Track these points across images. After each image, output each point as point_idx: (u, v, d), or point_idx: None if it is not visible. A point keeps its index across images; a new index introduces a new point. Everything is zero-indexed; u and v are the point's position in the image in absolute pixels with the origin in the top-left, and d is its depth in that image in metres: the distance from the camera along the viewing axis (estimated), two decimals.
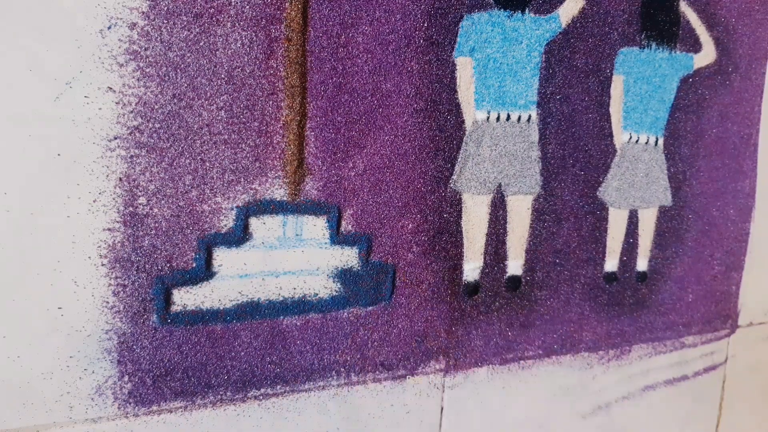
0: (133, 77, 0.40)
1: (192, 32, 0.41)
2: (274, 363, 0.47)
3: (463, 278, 0.53)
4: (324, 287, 0.48)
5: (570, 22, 0.54)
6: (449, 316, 0.53)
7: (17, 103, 0.38)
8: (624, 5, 0.56)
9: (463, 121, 0.51)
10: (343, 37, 0.46)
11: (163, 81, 0.41)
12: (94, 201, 0.40)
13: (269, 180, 0.45)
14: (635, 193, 0.60)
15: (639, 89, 0.58)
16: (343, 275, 0.49)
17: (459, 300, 0.54)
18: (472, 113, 0.51)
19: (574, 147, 0.56)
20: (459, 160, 0.51)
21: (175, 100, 0.42)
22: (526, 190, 0.55)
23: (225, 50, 0.42)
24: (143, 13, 0.40)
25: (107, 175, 0.40)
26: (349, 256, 0.48)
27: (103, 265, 0.41)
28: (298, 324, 0.48)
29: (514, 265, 0.56)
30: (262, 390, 0.47)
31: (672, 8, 0.59)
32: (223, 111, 0.43)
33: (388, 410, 0.52)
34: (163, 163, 0.42)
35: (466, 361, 0.55)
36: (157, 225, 0.42)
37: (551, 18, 0.53)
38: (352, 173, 0.48)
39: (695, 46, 0.61)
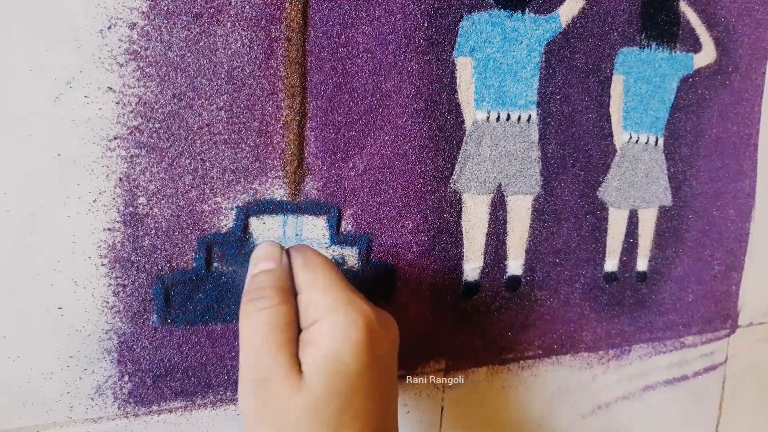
0: (133, 77, 0.40)
1: (192, 32, 0.41)
2: None
3: (463, 278, 0.53)
4: None
5: (570, 22, 0.54)
6: (449, 316, 0.53)
7: (17, 103, 0.38)
8: (624, 5, 0.56)
9: (463, 121, 0.51)
10: (343, 37, 0.46)
11: (163, 81, 0.41)
12: (94, 201, 0.40)
13: (269, 180, 0.45)
14: (635, 193, 0.60)
15: (639, 89, 0.58)
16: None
17: (459, 300, 0.54)
18: (472, 113, 0.51)
19: (574, 147, 0.56)
20: (459, 160, 0.51)
21: (175, 100, 0.42)
22: (526, 190, 0.55)
23: (225, 50, 0.42)
24: (143, 13, 0.40)
25: (107, 175, 0.40)
26: (349, 256, 0.48)
27: (103, 265, 0.41)
28: None
29: (514, 265, 0.56)
30: None
31: (672, 8, 0.59)
32: (223, 111, 0.43)
33: None
34: (163, 163, 0.42)
35: (466, 361, 0.55)
36: (157, 225, 0.42)
37: (551, 18, 0.53)
38: (352, 173, 0.48)
39: (695, 46, 0.61)
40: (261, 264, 0.35)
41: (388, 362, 0.35)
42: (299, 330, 0.34)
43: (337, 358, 0.32)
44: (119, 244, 0.41)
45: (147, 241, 0.42)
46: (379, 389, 0.34)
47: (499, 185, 0.54)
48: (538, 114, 0.54)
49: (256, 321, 0.33)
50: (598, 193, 0.58)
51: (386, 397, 0.34)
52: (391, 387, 0.35)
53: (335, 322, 0.32)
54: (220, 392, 0.46)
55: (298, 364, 0.32)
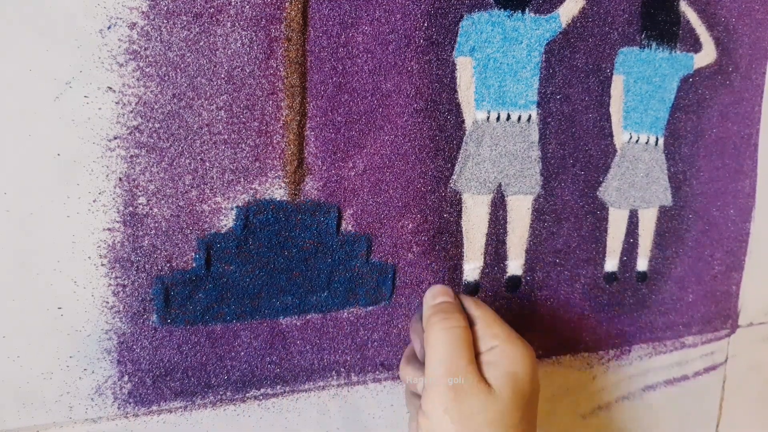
0: (133, 77, 0.40)
1: (192, 32, 0.41)
2: (274, 363, 0.47)
3: (463, 278, 0.53)
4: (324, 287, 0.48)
5: (570, 21, 0.54)
6: None
7: (17, 103, 0.38)
8: (624, 5, 0.56)
9: (463, 121, 0.51)
10: (343, 37, 0.46)
11: (163, 81, 0.41)
12: (94, 201, 0.40)
13: (269, 180, 0.45)
14: (635, 193, 0.60)
15: (639, 89, 0.58)
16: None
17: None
18: (472, 113, 0.51)
19: (574, 147, 0.56)
20: (459, 160, 0.51)
21: (175, 100, 0.42)
22: (526, 190, 0.55)
23: (225, 50, 0.42)
24: (143, 12, 0.40)
25: (107, 175, 0.40)
26: (349, 256, 0.48)
27: (102, 265, 0.41)
28: (298, 324, 0.48)
29: (514, 265, 0.56)
30: (262, 390, 0.47)
31: (672, 8, 0.59)
32: (223, 111, 0.43)
33: (388, 410, 0.52)
34: (163, 163, 0.42)
35: None
36: (157, 225, 0.42)
37: (551, 18, 0.53)
38: (352, 173, 0.48)
39: (695, 46, 0.61)
40: (440, 297, 0.42)
41: (538, 396, 0.41)
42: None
43: (516, 377, 0.38)
44: (119, 244, 0.41)
45: (147, 241, 0.42)
46: (535, 415, 0.40)
47: (499, 185, 0.54)
48: (538, 114, 0.54)
49: (448, 335, 0.38)
50: (598, 193, 0.58)
51: (536, 414, 0.40)
52: (536, 406, 0.41)
53: (514, 349, 0.39)
54: (220, 392, 0.46)
55: (484, 377, 0.38)
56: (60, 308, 0.41)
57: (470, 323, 0.40)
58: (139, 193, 0.41)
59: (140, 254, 0.42)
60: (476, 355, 0.39)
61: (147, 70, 0.40)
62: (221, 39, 0.42)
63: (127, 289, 0.42)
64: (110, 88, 0.40)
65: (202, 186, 0.43)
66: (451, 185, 0.52)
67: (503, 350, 0.38)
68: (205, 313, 0.44)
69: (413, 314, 0.50)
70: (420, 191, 0.50)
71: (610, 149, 0.58)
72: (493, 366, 0.38)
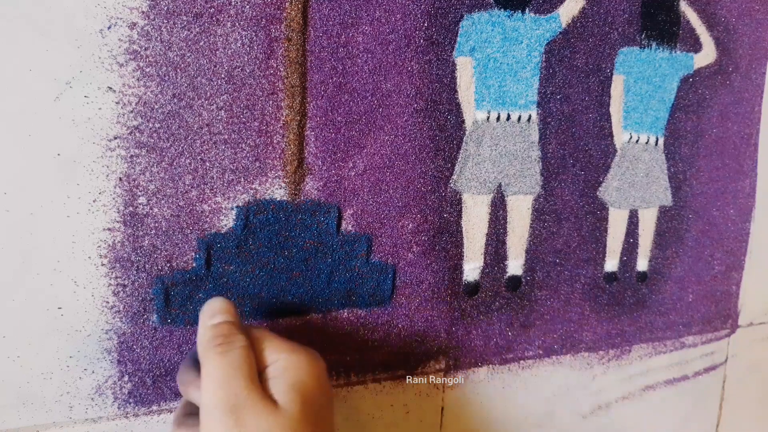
0: (133, 77, 0.40)
1: (192, 32, 0.41)
2: None
3: (463, 278, 0.53)
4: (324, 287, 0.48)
5: (570, 21, 0.54)
6: (449, 316, 0.53)
7: (17, 103, 0.38)
8: (624, 5, 0.56)
9: (463, 121, 0.51)
10: (343, 37, 0.46)
11: (163, 81, 0.41)
12: (94, 201, 0.40)
13: (269, 180, 0.45)
14: (635, 193, 0.60)
15: (639, 89, 0.58)
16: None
17: (459, 300, 0.54)
18: (472, 113, 0.51)
19: (574, 147, 0.56)
20: (459, 160, 0.51)
21: (175, 100, 0.42)
22: (526, 190, 0.55)
23: (225, 50, 0.42)
24: (143, 12, 0.40)
25: (107, 175, 0.40)
26: (349, 256, 0.48)
27: (103, 265, 0.41)
28: (298, 324, 0.48)
29: (514, 265, 0.56)
30: None
31: (672, 8, 0.59)
32: (223, 111, 0.43)
33: (388, 410, 0.52)
34: (163, 163, 0.42)
35: (466, 361, 0.55)
36: (157, 225, 0.42)
37: (551, 18, 0.53)
38: (352, 173, 0.48)
39: (695, 46, 0.61)
40: (219, 316, 0.39)
41: (332, 406, 0.40)
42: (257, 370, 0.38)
43: (304, 388, 0.36)
44: (119, 244, 0.41)
45: (147, 241, 0.42)
46: (331, 426, 0.39)
47: (499, 185, 0.54)
48: (538, 114, 0.54)
49: (226, 359, 0.35)
50: (598, 193, 0.58)
51: (332, 422, 0.39)
52: (331, 414, 0.40)
53: (299, 359, 0.37)
54: None
55: (268, 394, 0.36)
56: (60, 308, 0.41)
57: (252, 343, 0.37)
58: (139, 193, 0.41)
59: (140, 254, 0.42)
60: (260, 371, 0.36)
61: (147, 70, 0.40)
62: (221, 39, 0.42)
63: (127, 289, 0.42)
64: (110, 88, 0.40)
65: (202, 186, 0.43)
66: (451, 185, 0.52)
67: (288, 361, 0.36)
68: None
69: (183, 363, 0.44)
70: (420, 191, 0.50)
71: (610, 149, 0.58)
72: (278, 380, 0.36)
